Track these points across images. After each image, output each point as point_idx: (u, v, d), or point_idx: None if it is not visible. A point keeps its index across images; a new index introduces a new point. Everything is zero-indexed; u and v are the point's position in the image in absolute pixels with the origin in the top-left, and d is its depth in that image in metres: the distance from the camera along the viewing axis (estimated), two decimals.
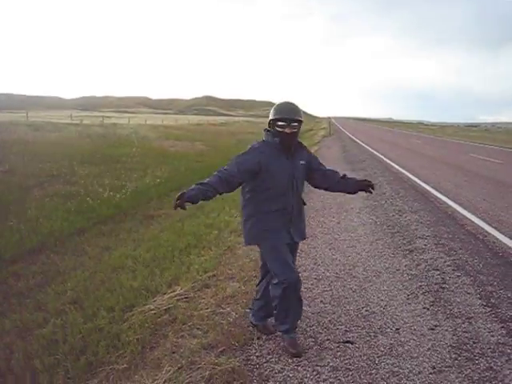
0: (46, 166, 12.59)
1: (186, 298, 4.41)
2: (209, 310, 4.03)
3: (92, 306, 4.55)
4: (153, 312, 4.13)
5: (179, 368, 3.10)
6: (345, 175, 3.53)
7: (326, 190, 3.63)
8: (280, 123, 3.23)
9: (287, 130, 3.23)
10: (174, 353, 3.34)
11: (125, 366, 3.30)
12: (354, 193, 3.55)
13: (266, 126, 3.44)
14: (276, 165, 3.27)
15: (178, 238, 7.05)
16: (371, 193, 3.52)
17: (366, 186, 3.46)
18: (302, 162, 3.38)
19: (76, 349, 3.67)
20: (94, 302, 4.67)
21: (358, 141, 33.39)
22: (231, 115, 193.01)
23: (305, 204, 3.56)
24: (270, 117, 3.32)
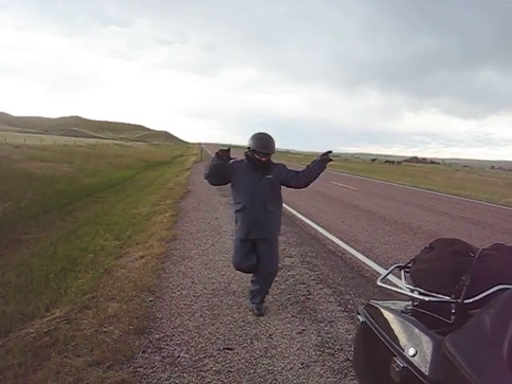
0: None
1: (66, 319, 4.38)
2: (91, 329, 4.06)
3: None
4: (32, 335, 4.04)
5: None
6: (308, 165, 4.55)
7: (306, 186, 4.61)
8: (259, 153, 4.39)
9: (263, 159, 4.42)
10: (59, 373, 3.34)
11: None
12: (324, 168, 4.49)
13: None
14: (242, 176, 4.44)
15: (51, 262, 6.85)
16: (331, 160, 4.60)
17: (325, 157, 4.49)
18: (268, 177, 4.44)
19: None
20: None
21: None
22: (100, 137, 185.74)
23: (268, 211, 4.45)
24: (252, 146, 4.41)
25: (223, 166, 4.41)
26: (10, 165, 19.20)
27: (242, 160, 4.56)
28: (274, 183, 4.48)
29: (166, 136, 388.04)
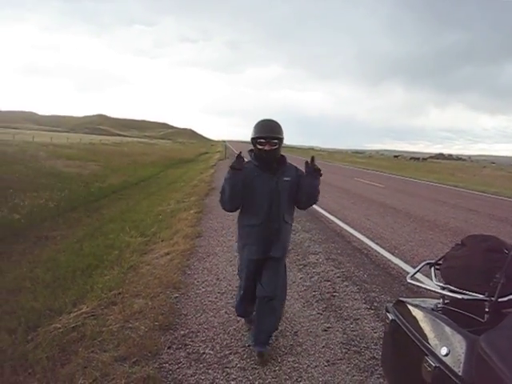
0: None
1: (93, 315, 4.45)
2: (118, 325, 4.11)
3: None
4: (60, 330, 4.12)
5: (93, 380, 3.18)
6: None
7: (307, 204, 3.67)
8: (260, 141, 3.42)
9: (267, 148, 3.41)
10: (86, 367, 3.39)
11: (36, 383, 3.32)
12: (317, 179, 3.50)
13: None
14: (255, 182, 3.45)
15: (78, 258, 6.97)
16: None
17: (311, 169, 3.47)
18: (286, 179, 3.50)
19: None
20: None
21: None
22: (125, 135, 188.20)
23: (287, 222, 3.60)
24: (252, 135, 3.48)
25: (242, 181, 3.41)
26: (38, 163, 19.57)
27: (248, 161, 3.57)
28: (293, 187, 3.53)
29: (191, 134, 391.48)
